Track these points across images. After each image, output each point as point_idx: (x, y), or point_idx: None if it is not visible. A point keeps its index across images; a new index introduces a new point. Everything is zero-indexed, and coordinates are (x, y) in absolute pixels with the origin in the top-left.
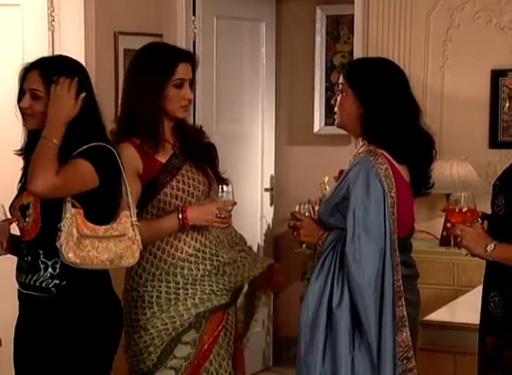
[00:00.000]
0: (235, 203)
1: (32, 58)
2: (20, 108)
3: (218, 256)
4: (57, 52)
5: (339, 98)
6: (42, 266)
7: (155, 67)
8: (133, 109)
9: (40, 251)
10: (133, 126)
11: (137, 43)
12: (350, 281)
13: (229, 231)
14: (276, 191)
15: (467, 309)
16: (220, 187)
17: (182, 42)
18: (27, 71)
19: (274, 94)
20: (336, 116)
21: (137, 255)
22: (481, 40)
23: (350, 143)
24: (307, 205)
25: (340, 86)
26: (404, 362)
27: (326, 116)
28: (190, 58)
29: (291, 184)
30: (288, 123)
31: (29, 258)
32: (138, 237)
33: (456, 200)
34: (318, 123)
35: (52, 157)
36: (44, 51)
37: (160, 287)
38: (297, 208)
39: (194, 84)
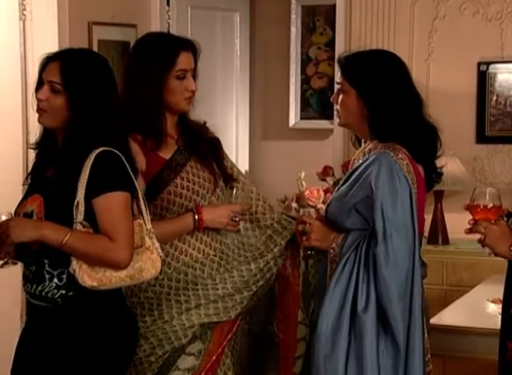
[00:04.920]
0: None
1: (3, 48)
2: (37, 99)
3: (222, 260)
4: (29, 43)
5: (340, 97)
6: (47, 276)
7: (155, 59)
8: (133, 104)
9: (46, 261)
10: (133, 121)
11: (112, 33)
12: (378, 283)
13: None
14: None
15: (458, 312)
16: (235, 190)
17: None
18: (48, 61)
19: (248, 86)
20: (337, 115)
21: (158, 264)
22: (468, 31)
23: (327, 137)
24: (311, 209)
25: (340, 84)
26: None
27: (302, 110)
28: (191, 46)
29: (266, 180)
30: (263, 117)
31: (33, 267)
32: (157, 245)
33: (478, 196)
34: (293, 117)
35: (91, 241)
36: (15, 42)
37: (161, 293)
38: (301, 213)
39: (197, 74)
